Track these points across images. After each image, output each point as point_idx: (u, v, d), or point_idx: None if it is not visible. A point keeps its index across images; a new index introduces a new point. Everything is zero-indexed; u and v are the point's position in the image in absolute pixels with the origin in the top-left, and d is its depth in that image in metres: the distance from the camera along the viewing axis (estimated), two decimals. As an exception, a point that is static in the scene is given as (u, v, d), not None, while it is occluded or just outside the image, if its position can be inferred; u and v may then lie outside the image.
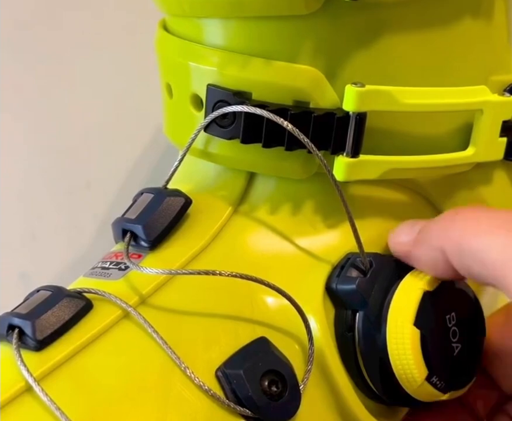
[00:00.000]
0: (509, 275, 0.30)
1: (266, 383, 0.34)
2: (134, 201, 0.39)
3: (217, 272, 0.35)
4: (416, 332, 0.34)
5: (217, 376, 0.34)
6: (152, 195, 0.38)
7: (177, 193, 0.39)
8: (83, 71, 0.57)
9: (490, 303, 0.41)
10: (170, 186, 0.39)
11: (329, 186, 0.38)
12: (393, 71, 0.37)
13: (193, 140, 0.38)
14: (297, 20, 0.36)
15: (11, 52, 0.56)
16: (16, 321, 0.34)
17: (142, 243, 0.37)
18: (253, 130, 0.36)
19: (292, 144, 0.36)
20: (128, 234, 0.37)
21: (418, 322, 0.34)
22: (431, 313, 0.34)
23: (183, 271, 0.35)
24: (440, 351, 0.35)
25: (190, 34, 0.38)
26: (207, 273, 0.35)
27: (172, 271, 0.35)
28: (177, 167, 0.39)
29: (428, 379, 0.34)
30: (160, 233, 0.37)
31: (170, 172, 0.39)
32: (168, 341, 0.34)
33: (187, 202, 0.38)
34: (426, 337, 0.34)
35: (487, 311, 0.38)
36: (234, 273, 0.35)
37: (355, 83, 0.36)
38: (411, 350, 0.34)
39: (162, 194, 0.38)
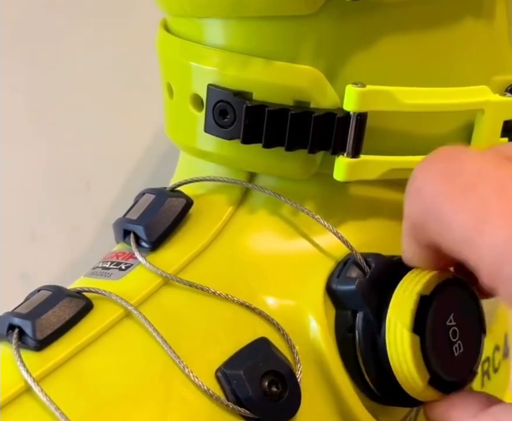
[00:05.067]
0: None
1: (266, 384, 0.33)
2: (136, 201, 0.39)
3: (211, 290, 0.36)
4: (415, 339, 0.34)
5: (217, 377, 0.34)
6: (154, 196, 0.38)
7: (178, 194, 0.39)
8: (83, 71, 0.58)
9: (491, 306, 0.41)
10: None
11: (330, 186, 0.38)
12: (394, 71, 0.37)
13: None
14: (297, 20, 0.36)
15: (12, 52, 0.56)
16: (16, 321, 0.34)
17: (143, 244, 0.37)
18: (254, 130, 0.36)
19: (292, 144, 0.36)
20: (132, 235, 0.37)
21: (417, 328, 0.34)
22: (429, 317, 0.34)
23: (184, 281, 0.36)
24: (441, 353, 0.34)
25: (191, 34, 0.38)
26: (202, 289, 0.35)
27: (173, 277, 0.36)
28: (187, 182, 0.39)
29: (431, 382, 0.34)
30: (161, 233, 0.37)
31: (180, 182, 0.39)
32: (169, 340, 0.34)
33: (189, 203, 0.38)
34: (426, 341, 0.34)
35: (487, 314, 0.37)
36: (225, 295, 0.36)
37: (356, 83, 0.36)
38: (412, 357, 0.34)
39: (163, 195, 0.38)
